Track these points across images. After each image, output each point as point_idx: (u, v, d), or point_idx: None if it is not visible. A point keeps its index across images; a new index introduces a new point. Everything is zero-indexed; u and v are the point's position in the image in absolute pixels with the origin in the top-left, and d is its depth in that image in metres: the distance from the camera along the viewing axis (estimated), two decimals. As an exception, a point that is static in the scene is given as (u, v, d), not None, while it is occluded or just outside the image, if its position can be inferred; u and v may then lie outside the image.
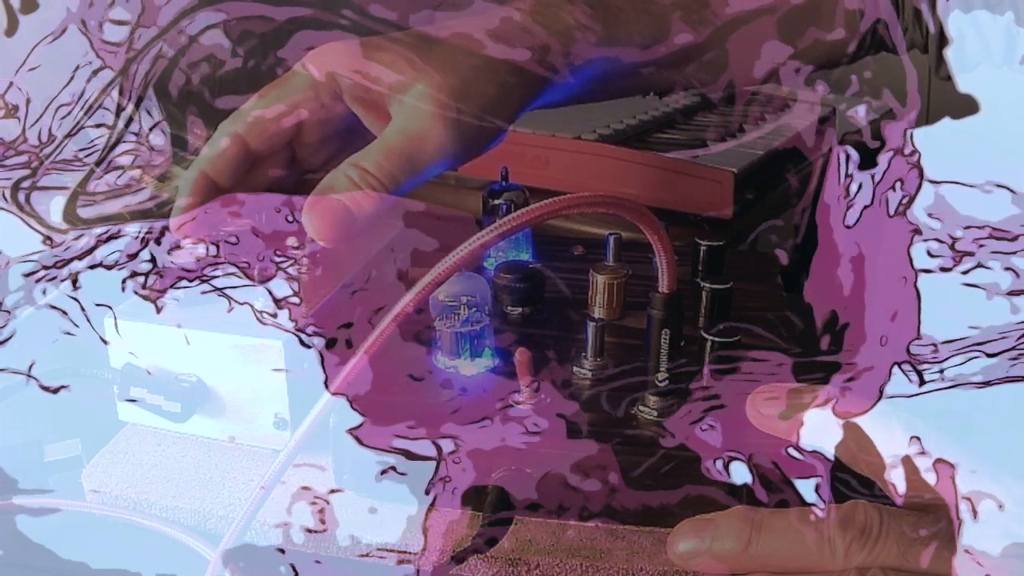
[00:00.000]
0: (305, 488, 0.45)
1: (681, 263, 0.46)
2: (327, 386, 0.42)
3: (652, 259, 0.45)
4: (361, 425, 0.41)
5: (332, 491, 0.44)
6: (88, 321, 0.46)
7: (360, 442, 0.41)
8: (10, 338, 0.45)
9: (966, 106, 0.41)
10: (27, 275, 0.47)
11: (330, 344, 0.45)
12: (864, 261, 0.37)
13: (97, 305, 0.47)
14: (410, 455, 0.41)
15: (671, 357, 0.43)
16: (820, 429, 0.36)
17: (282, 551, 0.44)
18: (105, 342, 0.48)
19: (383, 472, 0.41)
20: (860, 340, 0.36)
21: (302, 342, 0.46)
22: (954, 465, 0.34)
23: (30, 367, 0.46)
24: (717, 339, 0.45)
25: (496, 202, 0.58)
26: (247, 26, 0.53)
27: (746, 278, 0.56)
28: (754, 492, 0.38)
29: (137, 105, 0.53)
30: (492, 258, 0.58)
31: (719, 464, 0.39)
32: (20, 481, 0.48)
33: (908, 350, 0.36)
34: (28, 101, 0.54)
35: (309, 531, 0.43)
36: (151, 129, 0.55)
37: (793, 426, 0.37)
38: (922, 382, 0.36)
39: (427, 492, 0.41)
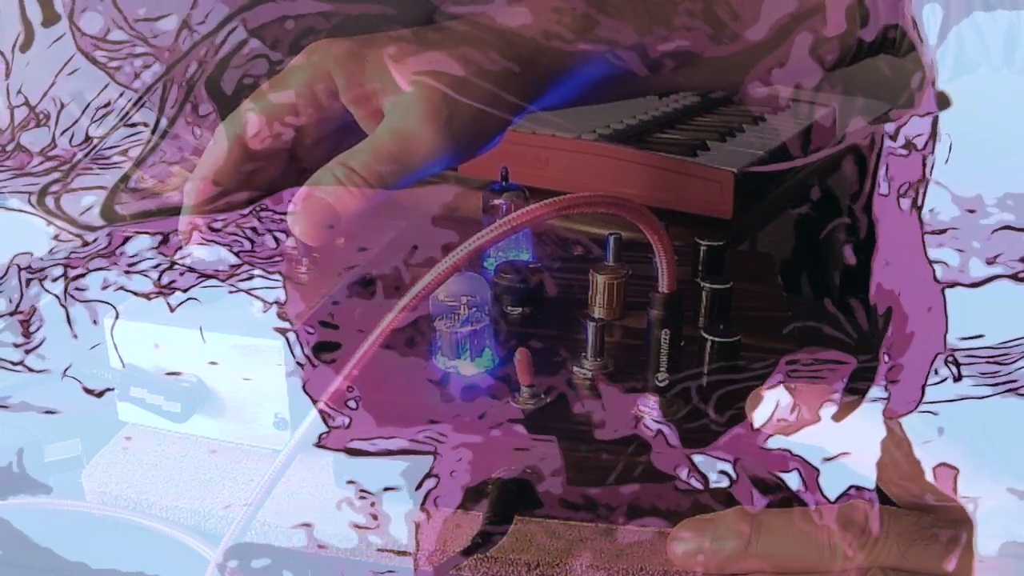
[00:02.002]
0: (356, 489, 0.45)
1: (681, 263, 0.46)
2: (306, 389, 0.42)
3: (652, 259, 0.45)
4: (336, 429, 0.41)
5: (386, 488, 0.43)
6: (68, 323, 0.46)
7: (321, 444, 0.41)
8: (42, 343, 0.46)
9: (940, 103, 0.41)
10: (32, 273, 0.47)
11: (321, 348, 0.45)
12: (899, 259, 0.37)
13: (79, 300, 0.47)
14: (353, 451, 0.41)
15: (671, 357, 0.43)
16: (828, 429, 0.36)
17: (287, 551, 0.44)
18: (75, 336, 0.48)
19: (428, 474, 0.41)
20: (903, 338, 0.36)
21: (292, 347, 0.46)
22: (956, 468, 0.34)
23: (66, 369, 0.46)
24: (717, 339, 0.45)
25: (496, 202, 0.58)
26: (310, 23, 0.53)
27: (746, 278, 0.56)
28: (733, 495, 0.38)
29: (182, 104, 0.53)
30: (492, 258, 0.58)
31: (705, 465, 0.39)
32: (20, 481, 0.48)
33: (944, 345, 0.36)
34: (61, 108, 0.54)
35: (359, 527, 0.43)
36: (189, 125, 0.55)
37: (796, 426, 0.37)
38: (959, 378, 0.36)
39: (418, 488, 0.40)
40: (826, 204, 1.15)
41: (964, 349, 0.37)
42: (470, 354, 0.46)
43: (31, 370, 0.46)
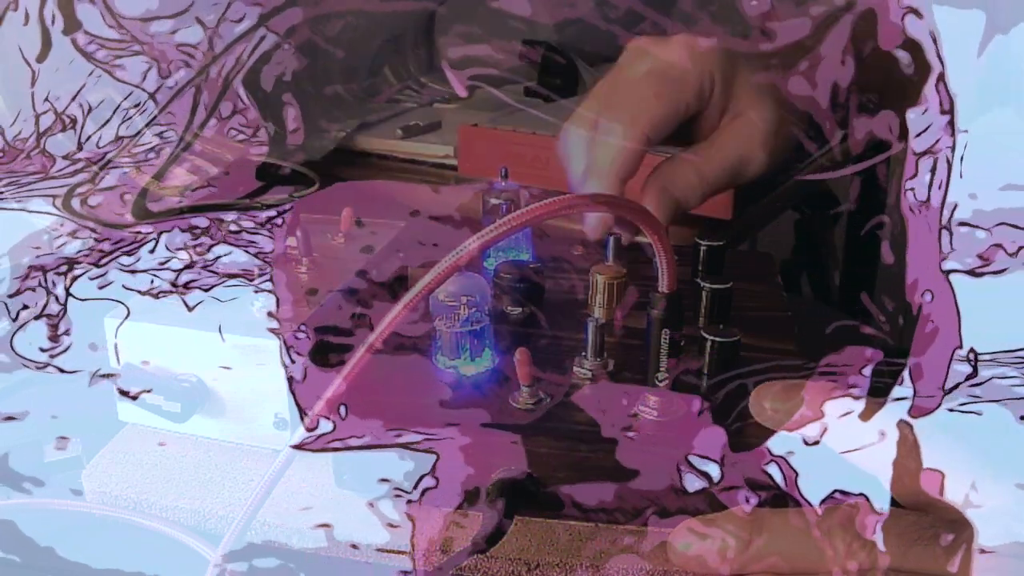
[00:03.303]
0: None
1: (681, 263, 0.46)
2: (292, 389, 0.42)
3: (652, 259, 0.44)
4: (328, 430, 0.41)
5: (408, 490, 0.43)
6: (61, 320, 0.46)
7: (302, 447, 0.41)
8: (69, 347, 0.46)
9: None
10: (45, 272, 0.48)
11: (321, 350, 0.45)
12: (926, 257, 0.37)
13: (81, 300, 0.47)
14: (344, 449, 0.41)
15: (671, 357, 0.43)
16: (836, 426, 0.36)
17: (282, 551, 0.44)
18: (67, 334, 0.48)
19: (427, 474, 0.41)
20: (926, 335, 0.36)
21: (289, 349, 0.46)
22: (943, 473, 0.34)
23: (96, 372, 0.46)
24: (717, 339, 0.45)
25: (496, 202, 0.58)
26: (352, 21, 0.53)
27: (746, 278, 0.55)
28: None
29: (217, 103, 0.53)
30: (492, 258, 0.58)
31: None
32: (20, 481, 0.48)
33: (960, 340, 0.36)
34: (88, 111, 0.54)
35: (392, 525, 0.42)
36: (226, 119, 0.55)
37: (799, 422, 0.37)
38: (975, 373, 0.36)
39: (415, 487, 0.40)
40: (826, 204, 1.15)
41: (1009, 351, 0.37)
42: (470, 354, 0.46)
43: (61, 371, 0.46)
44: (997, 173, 0.38)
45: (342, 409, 0.40)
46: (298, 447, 0.41)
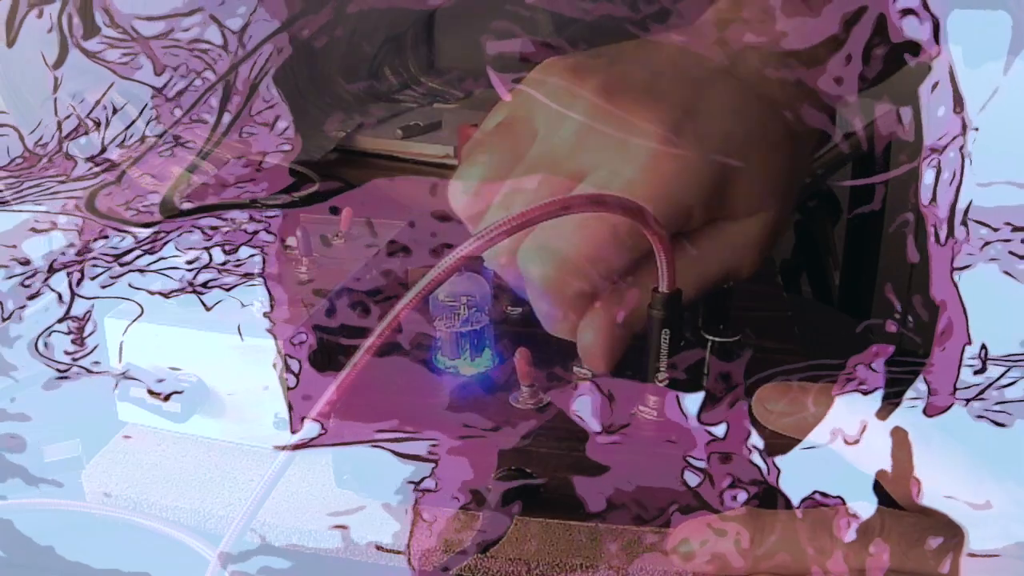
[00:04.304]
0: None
1: (681, 263, 0.46)
2: (285, 392, 0.42)
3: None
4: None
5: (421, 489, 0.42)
6: (67, 319, 0.46)
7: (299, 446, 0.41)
8: (96, 348, 0.46)
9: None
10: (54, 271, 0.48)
11: (321, 352, 0.45)
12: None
13: (77, 296, 0.47)
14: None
15: (671, 357, 0.43)
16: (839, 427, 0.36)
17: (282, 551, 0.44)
18: (72, 332, 0.48)
19: (428, 475, 0.41)
20: (943, 332, 0.36)
21: (287, 358, 0.46)
22: (919, 480, 0.34)
23: (122, 374, 0.46)
24: (717, 339, 0.45)
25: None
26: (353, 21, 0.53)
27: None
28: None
29: (247, 101, 0.53)
30: (492, 258, 0.57)
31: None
32: (20, 481, 0.48)
33: (969, 336, 0.36)
34: (114, 112, 0.54)
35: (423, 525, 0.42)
36: (231, 120, 0.55)
37: (802, 424, 0.37)
38: (983, 370, 0.37)
39: (416, 488, 0.40)
40: (826, 204, 1.15)
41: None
42: (470, 354, 0.46)
43: (89, 372, 0.46)
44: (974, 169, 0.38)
45: (338, 412, 0.40)
46: (296, 447, 0.41)
